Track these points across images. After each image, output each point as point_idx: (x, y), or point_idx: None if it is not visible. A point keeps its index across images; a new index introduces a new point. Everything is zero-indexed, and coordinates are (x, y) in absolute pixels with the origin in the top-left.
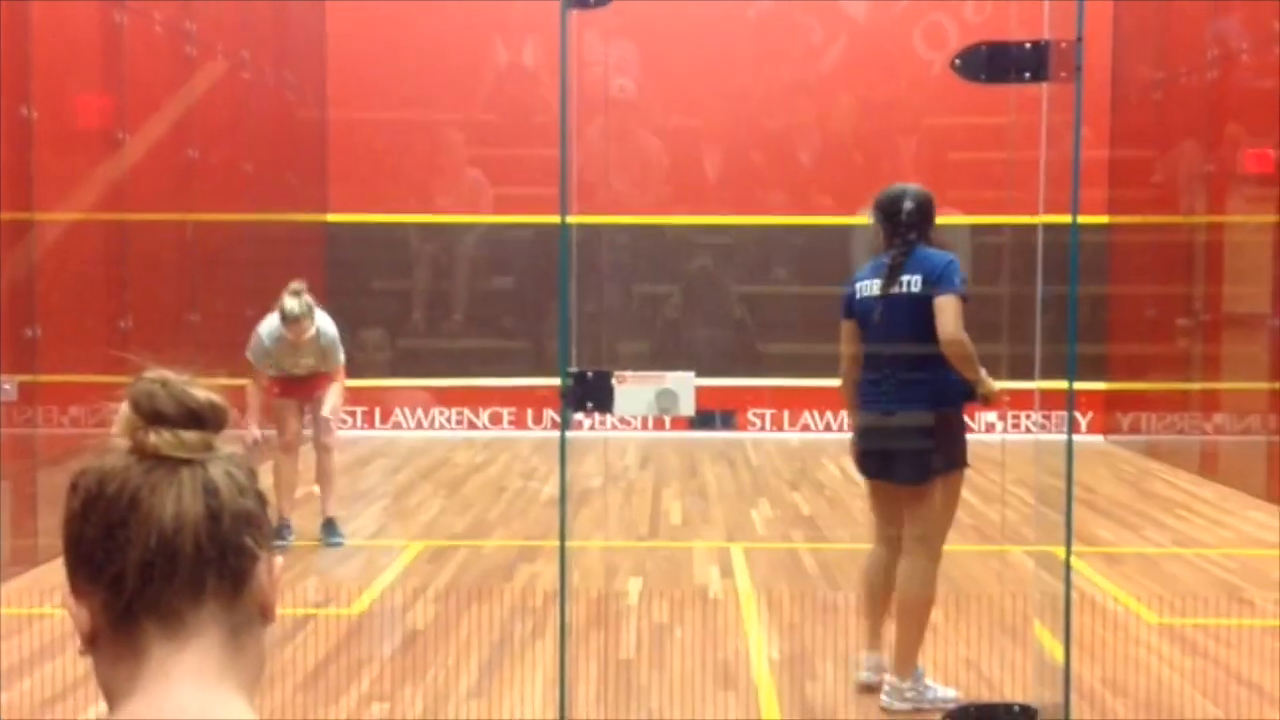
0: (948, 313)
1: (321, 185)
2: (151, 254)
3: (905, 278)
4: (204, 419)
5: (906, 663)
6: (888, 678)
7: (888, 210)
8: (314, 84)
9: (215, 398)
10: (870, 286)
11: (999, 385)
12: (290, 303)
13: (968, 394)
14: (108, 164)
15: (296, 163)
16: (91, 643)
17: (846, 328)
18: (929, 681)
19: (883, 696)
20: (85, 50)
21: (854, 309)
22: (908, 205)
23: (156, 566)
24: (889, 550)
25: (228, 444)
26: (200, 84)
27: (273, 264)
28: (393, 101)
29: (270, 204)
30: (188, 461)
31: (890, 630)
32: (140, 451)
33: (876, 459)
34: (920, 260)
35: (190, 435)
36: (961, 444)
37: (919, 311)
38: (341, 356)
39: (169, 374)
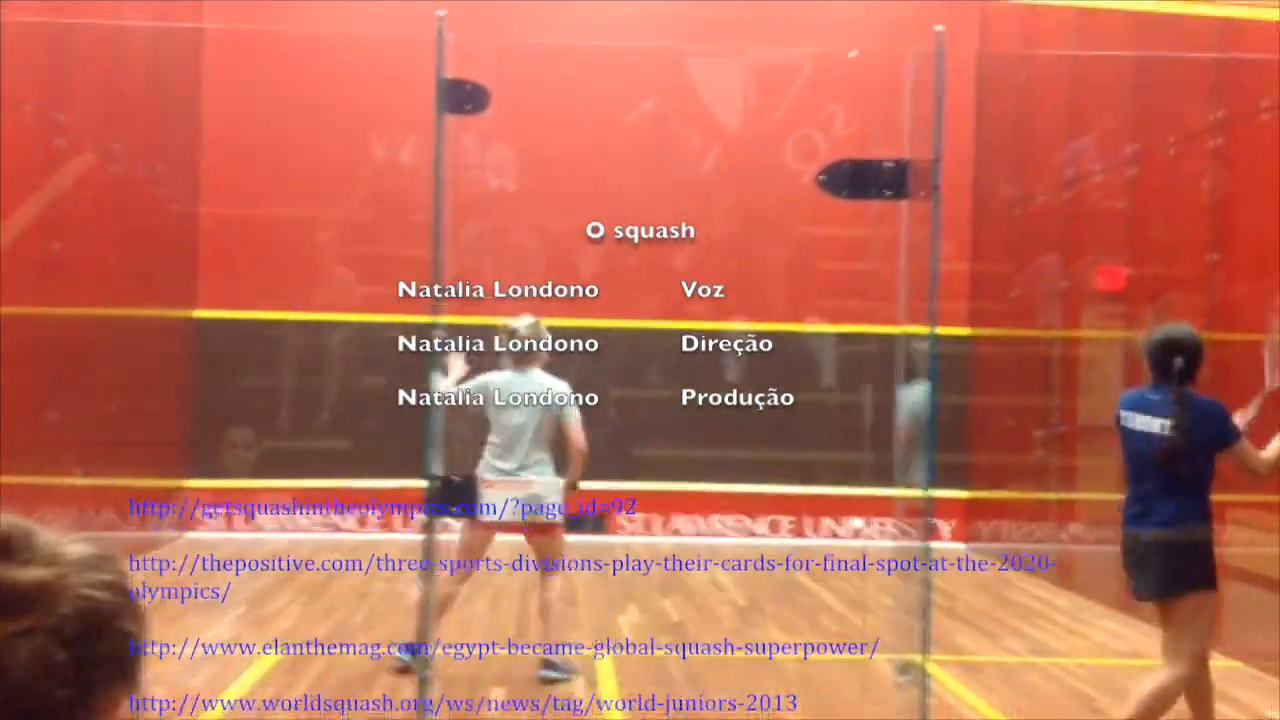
0: (1253, 454)
1: (191, 281)
2: (10, 349)
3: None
4: (19, 606)
5: None
6: None
7: (1160, 354)
8: (187, 179)
9: (43, 575)
10: (1148, 423)
11: (892, 492)
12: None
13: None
14: None
15: (165, 257)
16: None
17: None
18: None
19: None
20: None
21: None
22: (1179, 361)
23: None
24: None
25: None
26: (67, 176)
27: (137, 359)
28: (267, 198)
29: (136, 299)
30: None
31: None
32: None
33: (1135, 574)
34: (1196, 406)
35: None
36: (1212, 566)
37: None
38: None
39: (25, 529)
